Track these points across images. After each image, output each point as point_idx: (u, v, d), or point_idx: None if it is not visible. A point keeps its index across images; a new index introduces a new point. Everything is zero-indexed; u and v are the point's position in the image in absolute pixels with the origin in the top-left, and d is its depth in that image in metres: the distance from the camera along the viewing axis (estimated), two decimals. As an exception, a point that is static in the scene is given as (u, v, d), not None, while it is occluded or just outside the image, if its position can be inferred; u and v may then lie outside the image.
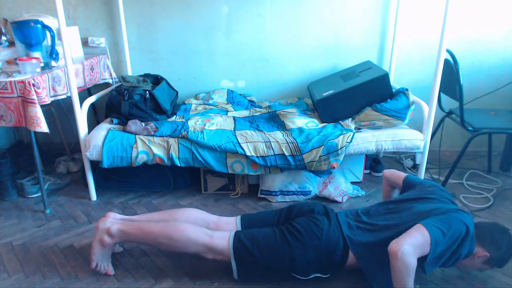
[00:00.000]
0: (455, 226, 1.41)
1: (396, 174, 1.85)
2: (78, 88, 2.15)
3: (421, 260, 1.39)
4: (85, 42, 2.68)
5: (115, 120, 2.28)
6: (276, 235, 1.54)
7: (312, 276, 1.55)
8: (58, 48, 2.16)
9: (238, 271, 1.55)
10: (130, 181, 2.35)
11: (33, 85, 1.83)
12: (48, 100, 1.93)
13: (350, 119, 2.28)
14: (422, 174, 2.21)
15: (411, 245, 1.33)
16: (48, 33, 2.09)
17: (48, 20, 2.17)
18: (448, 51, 2.14)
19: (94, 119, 2.81)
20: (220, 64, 2.81)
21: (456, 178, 2.54)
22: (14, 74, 1.91)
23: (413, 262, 1.32)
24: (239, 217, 1.73)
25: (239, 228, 1.68)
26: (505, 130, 2.24)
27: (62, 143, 2.87)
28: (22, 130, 2.87)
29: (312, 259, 1.51)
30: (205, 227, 1.63)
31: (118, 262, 1.71)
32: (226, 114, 2.52)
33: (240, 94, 2.80)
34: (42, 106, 1.89)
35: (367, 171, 2.64)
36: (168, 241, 1.55)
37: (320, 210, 1.66)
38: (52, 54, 2.14)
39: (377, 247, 1.49)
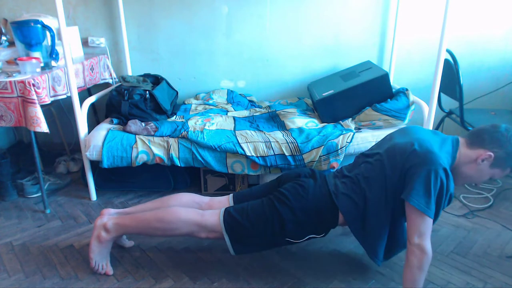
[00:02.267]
0: (434, 180, 1.33)
1: None
2: (78, 88, 2.15)
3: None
4: (85, 42, 2.68)
5: (115, 120, 2.28)
6: (264, 203, 1.56)
7: (306, 238, 1.55)
8: (58, 48, 2.16)
9: (232, 246, 1.55)
10: (130, 181, 2.35)
11: (33, 85, 1.83)
12: (48, 100, 1.93)
13: (350, 119, 2.28)
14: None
15: (419, 234, 1.35)
16: (48, 33, 2.09)
17: (48, 20, 2.17)
18: (448, 51, 2.14)
19: (94, 119, 2.81)
20: (220, 64, 2.81)
21: (456, 178, 2.54)
22: (14, 74, 1.91)
23: (429, 248, 1.35)
24: (231, 195, 1.74)
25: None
26: (505, 130, 2.24)
27: (62, 143, 2.87)
28: (22, 130, 2.87)
29: (302, 220, 1.51)
30: (198, 209, 1.64)
31: (118, 262, 1.71)
32: (226, 114, 2.52)
33: (240, 94, 2.80)
34: (42, 106, 1.89)
35: (367, 171, 2.64)
36: (162, 224, 1.56)
37: (306, 173, 1.67)
38: (52, 54, 2.14)
39: (357, 199, 1.50)
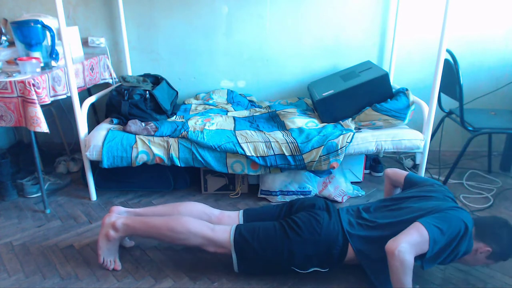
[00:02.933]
0: (454, 224, 1.41)
1: (398, 173, 1.85)
2: (78, 88, 2.15)
3: (420, 258, 1.39)
4: (85, 42, 2.68)
5: (115, 120, 2.28)
6: (276, 228, 1.56)
7: (311, 270, 1.55)
8: (58, 48, 2.16)
9: (238, 264, 1.57)
10: (130, 181, 2.35)
11: (33, 85, 1.83)
12: (48, 100, 1.93)
13: (350, 119, 2.28)
14: (422, 174, 2.21)
15: (408, 243, 1.33)
16: (48, 33, 2.09)
17: (48, 20, 2.17)
18: (448, 51, 2.14)
19: (94, 119, 2.81)
20: (220, 64, 2.81)
21: (456, 178, 2.54)
22: (14, 74, 1.91)
23: (409, 260, 1.33)
24: (241, 211, 1.75)
25: (241, 222, 1.69)
26: (505, 130, 2.24)
27: (62, 143, 2.87)
28: (22, 130, 2.87)
29: (311, 253, 1.52)
30: (208, 221, 1.65)
31: (119, 261, 1.70)
32: (226, 114, 2.52)
33: (240, 94, 2.80)
34: (42, 106, 1.89)
35: (367, 171, 2.64)
36: (171, 233, 1.57)
37: (321, 206, 1.67)
38: (52, 54, 2.14)
39: (376, 244, 1.49)
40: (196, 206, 1.74)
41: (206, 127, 2.20)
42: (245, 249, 1.54)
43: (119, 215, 1.69)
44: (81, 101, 2.12)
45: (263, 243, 1.53)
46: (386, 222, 1.53)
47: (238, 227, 1.58)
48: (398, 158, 2.89)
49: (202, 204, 1.77)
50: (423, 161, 2.18)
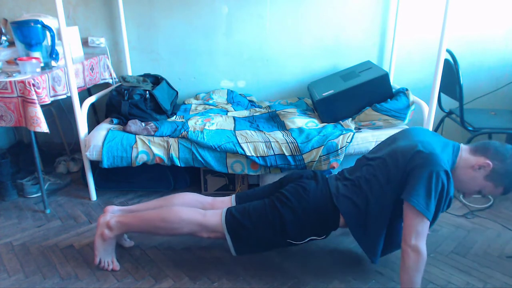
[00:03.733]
0: (435, 182, 1.32)
1: None
2: (78, 88, 2.15)
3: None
4: (85, 42, 2.68)
5: (115, 120, 2.28)
6: (266, 204, 1.56)
7: (307, 239, 1.55)
8: (58, 48, 2.16)
9: (234, 246, 1.56)
10: (130, 181, 2.35)
11: (33, 85, 1.83)
12: (48, 100, 1.93)
13: (350, 119, 2.28)
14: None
15: (415, 234, 1.34)
16: (48, 33, 2.09)
17: (48, 20, 2.17)
18: (448, 51, 2.14)
19: (94, 119, 2.81)
20: (220, 64, 2.81)
21: (456, 178, 2.54)
22: (14, 74, 1.91)
23: (424, 250, 1.34)
24: (234, 195, 1.75)
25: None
26: (505, 130, 2.24)
27: (62, 143, 2.87)
28: (22, 130, 2.87)
29: (303, 221, 1.52)
30: (201, 208, 1.65)
31: (118, 262, 1.70)
32: (226, 114, 2.52)
33: (240, 94, 2.80)
34: (42, 106, 1.89)
35: (367, 171, 2.63)
36: (164, 224, 1.57)
37: (308, 175, 1.67)
38: (52, 54, 2.14)
39: (359, 201, 1.50)
40: (188, 196, 1.74)
41: (206, 127, 2.20)
42: (238, 230, 1.54)
43: (113, 214, 1.69)
44: (81, 101, 2.12)
45: (255, 220, 1.53)
46: (364, 177, 1.53)
47: (228, 209, 1.58)
48: (398, 158, 2.89)
49: (194, 193, 1.77)
50: (423, 161, 2.18)
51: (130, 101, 2.24)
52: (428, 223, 1.35)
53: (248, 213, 1.55)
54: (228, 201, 1.73)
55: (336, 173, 1.71)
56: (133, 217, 1.63)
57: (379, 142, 1.74)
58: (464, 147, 1.49)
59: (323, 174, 1.69)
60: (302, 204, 1.52)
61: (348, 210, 1.51)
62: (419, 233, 1.35)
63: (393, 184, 1.43)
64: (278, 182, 1.74)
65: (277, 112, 2.53)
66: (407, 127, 2.26)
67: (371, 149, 1.76)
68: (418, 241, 1.34)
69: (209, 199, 1.75)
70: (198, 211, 1.60)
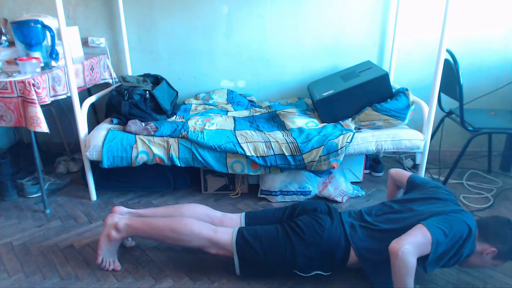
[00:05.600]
0: (457, 226, 1.41)
1: (401, 173, 1.84)
2: (78, 88, 2.15)
3: (422, 260, 1.40)
4: (85, 42, 2.68)
5: (115, 120, 2.28)
6: (279, 231, 1.56)
7: (313, 273, 1.56)
8: (58, 48, 2.16)
9: (240, 267, 1.57)
10: (130, 181, 2.35)
11: (33, 85, 1.83)
12: (48, 100, 1.93)
13: (350, 119, 2.28)
14: (422, 174, 2.21)
15: (411, 244, 1.33)
16: (48, 33, 2.09)
17: (48, 20, 2.17)
18: (448, 51, 2.14)
19: (94, 119, 2.81)
20: (220, 64, 2.81)
21: (456, 178, 2.54)
22: (14, 74, 1.91)
23: (412, 262, 1.33)
24: (243, 213, 1.75)
25: (243, 225, 1.69)
26: (505, 130, 2.24)
27: (62, 143, 2.87)
28: (22, 130, 2.87)
29: (313, 256, 1.52)
30: (210, 223, 1.65)
31: (118, 262, 1.70)
32: (226, 114, 2.52)
33: (240, 94, 2.80)
34: (42, 106, 1.89)
35: (367, 171, 2.64)
36: (174, 234, 1.57)
37: (323, 209, 1.67)
38: (52, 54, 2.14)
39: (378, 247, 1.49)
40: (198, 208, 1.74)
41: (206, 127, 2.20)
42: (247, 252, 1.54)
43: (122, 215, 1.69)
44: (81, 101, 2.12)
45: (266, 246, 1.53)
46: (389, 225, 1.53)
47: (240, 230, 1.58)
48: (398, 158, 2.89)
49: (204, 206, 1.77)
50: (423, 161, 2.18)
51: (130, 101, 2.24)
52: (429, 247, 1.35)
53: (260, 237, 1.55)
54: (238, 218, 1.73)
55: (351, 211, 1.70)
56: (143, 223, 1.63)
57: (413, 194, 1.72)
58: None
59: (336, 209, 1.69)
60: (316, 239, 1.52)
61: (364, 254, 1.52)
62: (415, 245, 1.34)
63: None
64: (291, 208, 1.74)
65: (277, 112, 2.53)
66: (407, 127, 2.26)
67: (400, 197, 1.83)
68: (411, 250, 1.32)
69: (218, 214, 1.74)
70: (210, 226, 1.60)
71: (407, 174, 1.82)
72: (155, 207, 1.80)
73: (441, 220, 1.42)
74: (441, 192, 1.63)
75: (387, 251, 1.38)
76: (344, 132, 2.13)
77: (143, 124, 2.19)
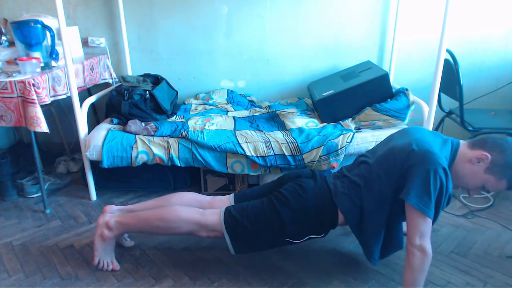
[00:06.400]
0: (433, 180, 1.32)
1: None
2: (78, 88, 2.15)
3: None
4: (85, 42, 2.68)
5: (115, 120, 2.28)
6: (264, 203, 1.56)
7: (306, 238, 1.55)
8: (58, 48, 2.16)
9: (233, 245, 1.56)
10: (130, 181, 2.35)
11: (33, 85, 1.83)
12: (48, 100, 1.93)
13: (350, 119, 2.28)
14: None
15: (420, 235, 1.34)
16: (48, 33, 2.09)
17: (48, 20, 2.17)
18: (448, 51, 2.14)
19: (94, 119, 2.81)
20: (220, 64, 2.81)
21: (456, 178, 2.54)
22: (14, 74, 1.91)
23: (429, 249, 1.35)
24: (232, 194, 1.75)
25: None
26: (505, 130, 2.24)
27: (62, 143, 2.87)
28: (22, 130, 2.87)
29: (301, 220, 1.52)
30: (200, 207, 1.65)
31: (118, 262, 1.70)
32: (226, 114, 2.52)
33: (240, 94, 2.80)
34: (42, 106, 1.89)
35: (367, 171, 2.63)
36: (162, 223, 1.58)
37: (307, 174, 1.67)
38: (52, 54, 2.14)
39: (355, 198, 1.50)
40: (186, 195, 1.74)
41: (206, 127, 2.20)
42: (236, 229, 1.54)
43: (112, 214, 1.69)
44: (81, 101, 2.12)
45: (253, 219, 1.53)
46: (360, 175, 1.54)
47: (227, 208, 1.59)
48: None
49: (193, 193, 1.77)
50: (423, 161, 2.18)
51: (130, 101, 2.24)
52: (431, 221, 1.35)
53: (246, 212, 1.55)
54: (227, 200, 1.73)
55: (335, 171, 1.71)
56: (132, 217, 1.63)
57: (379, 142, 1.74)
58: (463, 143, 1.49)
59: (321, 173, 1.69)
60: (300, 202, 1.52)
61: (346, 207, 1.52)
62: (423, 233, 1.35)
63: (390, 183, 1.43)
64: (277, 181, 1.74)
65: (277, 112, 2.53)
66: (407, 127, 2.26)
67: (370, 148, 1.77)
68: (423, 241, 1.35)
69: (207, 198, 1.75)
70: (197, 210, 1.61)
71: None
72: (145, 201, 1.79)
73: (419, 185, 1.33)
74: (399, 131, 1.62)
75: (364, 202, 1.43)
76: (344, 132, 2.13)
77: (143, 124, 2.19)
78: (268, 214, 1.53)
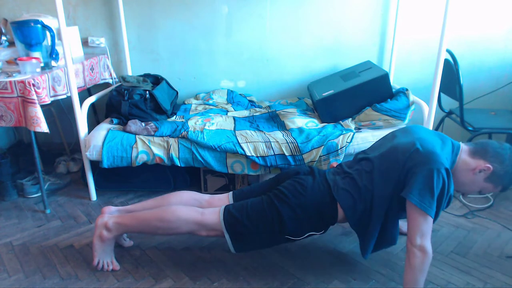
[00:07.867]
0: (436, 180, 1.33)
1: None
2: (78, 88, 2.15)
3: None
4: (85, 42, 2.68)
5: (115, 120, 2.28)
6: (263, 201, 1.56)
7: (306, 235, 1.55)
8: (58, 48, 2.16)
9: (233, 244, 1.56)
10: (130, 181, 2.35)
11: (33, 85, 1.83)
12: (48, 100, 1.93)
13: (350, 119, 2.28)
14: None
15: (421, 234, 1.35)
16: (48, 33, 2.09)
17: (48, 20, 2.17)
18: (448, 51, 2.14)
19: (94, 119, 2.81)
20: (220, 64, 2.81)
21: (456, 178, 2.54)
22: (14, 74, 1.91)
23: (430, 249, 1.35)
24: (231, 192, 1.75)
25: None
26: (505, 130, 2.24)
27: (62, 143, 2.87)
28: (22, 130, 2.87)
29: (301, 217, 1.52)
30: (198, 207, 1.65)
31: (118, 262, 1.70)
32: (226, 114, 2.52)
33: (240, 94, 2.80)
34: (42, 106, 1.89)
35: (367, 171, 2.64)
36: (162, 224, 1.57)
37: (305, 171, 1.67)
38: (52, 54, 2.14)
39: (356, 194, 1.50)
40: (185, 194, 1.74)
41: (206, 127, 2.20)
42: (236, 227, 1.54)
43: (111, 214, 1.69)
44: (81, 101, 2.12)
45: (253, 218, 1.53)
46: (359, 170, 1.54)
47: (226, 207, 1.58)
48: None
49: (191, 192, 1.76)
50: (423, 161, 2.18)
51: (130, 101, 2.24)
52: (431, 221, 1.36)
53: (246, 210, 1.55)
54: (226, 198, 1.72)
55: (335, 168, 1.71)
56: (131, 218, 1.63)
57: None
58: (464, 148, 1.50)
59: (319, 169, 1.69)
60: (299, 200, 1.52)
61: (347, 203, 1.51)
62: (423, 233, 1.35)
63: (391, 180, 1.43)
64: (275, 178, 1.74)
65: (277, 112, 2.53)
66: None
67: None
68: (424, 241, 1.35)
69: (206, 196, 1.74)
70: (196, 209, 1.60)
71: None
72: (143, 201, 1.78)
73: (421, 184, 1.34)
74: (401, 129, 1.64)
75: (364, 198, 1.43)
76: (344, 132, 2.13)
77: (143, 124, 2.19)
78: (268, 213, 1.53)
